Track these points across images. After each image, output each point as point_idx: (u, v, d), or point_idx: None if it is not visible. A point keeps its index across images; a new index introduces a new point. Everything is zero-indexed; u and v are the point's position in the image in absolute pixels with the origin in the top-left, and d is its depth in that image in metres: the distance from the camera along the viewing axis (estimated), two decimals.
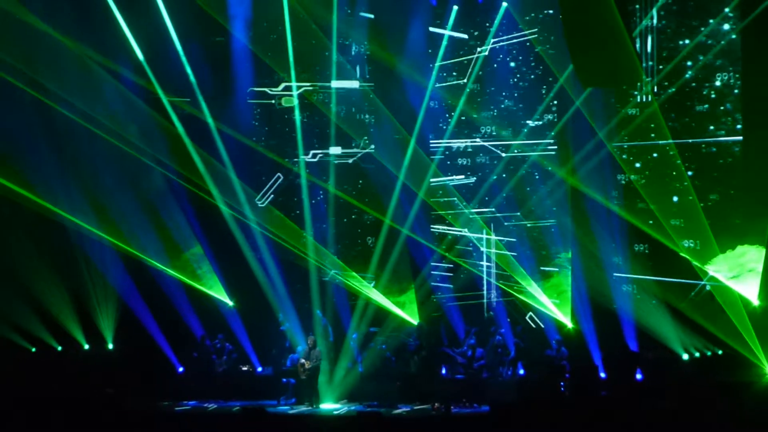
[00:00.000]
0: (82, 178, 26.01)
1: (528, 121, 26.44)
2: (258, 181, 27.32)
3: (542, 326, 26.06)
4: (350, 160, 27.12)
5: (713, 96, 24.88)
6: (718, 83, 24.85)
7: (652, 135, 25.08)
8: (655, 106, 24.95)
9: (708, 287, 24.50)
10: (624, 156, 25.43)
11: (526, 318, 26.29)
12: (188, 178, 26.62)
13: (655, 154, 25.22)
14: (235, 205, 26.75)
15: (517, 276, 26.28)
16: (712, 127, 24.85)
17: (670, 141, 24.95)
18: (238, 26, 26.95)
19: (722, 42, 24.59)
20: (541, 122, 26.38)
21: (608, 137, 25.35)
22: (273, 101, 27.09)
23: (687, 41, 24.89)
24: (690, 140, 25.02)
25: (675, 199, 24.76)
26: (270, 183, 27.26)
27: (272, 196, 27.24)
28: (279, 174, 27.31)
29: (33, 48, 25.16)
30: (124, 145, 25.97)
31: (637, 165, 25.38)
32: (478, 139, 26.85)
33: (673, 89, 24.96)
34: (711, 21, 24.60)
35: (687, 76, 24.91)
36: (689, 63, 24.93)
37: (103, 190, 26.16)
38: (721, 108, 24.82)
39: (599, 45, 17.79)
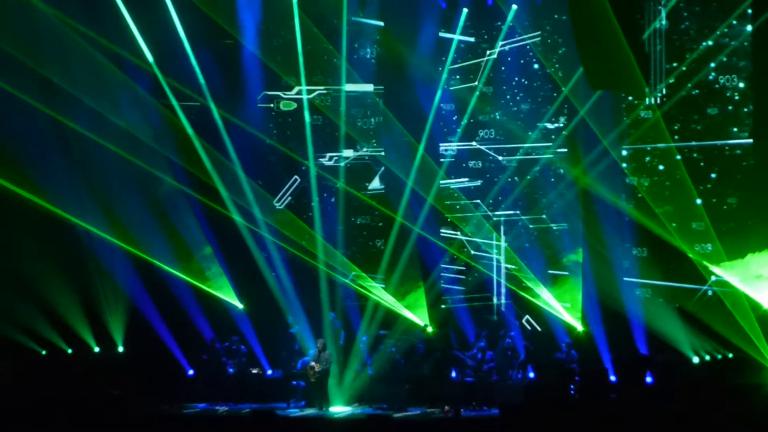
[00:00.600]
0: (91, 180, 26.03)
1: (539, 124, 26.39)
2: (269, 184, 27.35)
3: (538, 329, 26.02)
4: (342, 163, 27.14)
5: (725, 98, 24.82)
6: (729, 85, 24.80)
7: (666, 138, 25.06)
8: (658, 114, 24.89)
9: (710, 292, 24.47)
10: (632, 159, 25.40)
11: (523, 321, 26.28)
12: (198, 179, 26.65)
13: (659, 158, 25.19)
14: (244, 205, 26.76)
15: (527, 279, 26.23)
16: (726, 130, 24.79)
17: (671, 144, 24.92)
18: (248, 31, 26.96)
19: (735, 43, 24.54)
20: (552, 125, 26.33)
21: (617, 140, 25.32)
22: (272, 104, 27.14)
23: (697, 44, 24.83)
24: (695, 143, 24.98)
25: (699, 201, 24.67)
26: (288, 185, 27.29)
27: (290, 198, 27.27)
28: (296, 177, 27.34)
29: (43, 47, 25.18)
30: (134, 145, 26.01)
31: (644, 168, 25.34)
32: (481, 143, 26.83)
33: (683, 92, 24.93)
34: (722, 23, 24.55)
35: (697, 79, 24.86)
36: (700, 66, 24.88)
37: (112, 192, 26.18)
38: (741, 110, 24.75)
39: (607, 48, 17.77)
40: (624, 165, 25.44)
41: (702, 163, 24.93)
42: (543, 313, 26.06)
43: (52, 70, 25.17)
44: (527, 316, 26.28)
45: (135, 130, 26.06)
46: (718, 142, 24.83)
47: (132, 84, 26.26)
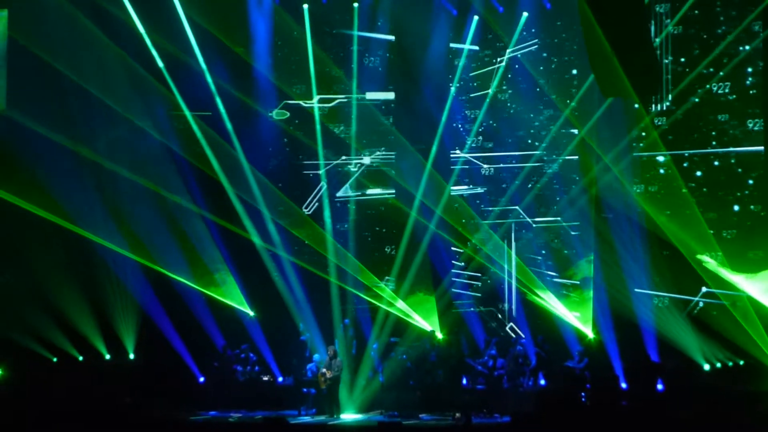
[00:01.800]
0: (101, 185, 26.10)
1: (552, 129, 26.38)
2: (283, 190, 27.42)
3: (522, 336, 25.99)
4: (338, 168, 27.25)
5: (737, 105, 24.82)
6: (740, 92, 24.82)
7: (678, 146, 25.08)
8: (654, 134, 24.91)
9: (701, 304, 24.47)
10: (643, 166, 25.39)
11: (507, 329, 26.28)
12: (209, 188, 26.75)
13: (662, 169, 25.18)
14: (252, 202, 26.84)
15: (537, 287, 26.21)
16: (737, 138, 24.78)
17: (670, 152, 24.92)
18: (260, 41, 27.06)
19: (750, 46, 24.55)
20: (566, 131, 26.34)
21: (629, 147, 25.32)
22: (267, 113, 27.26)
23: (709, 51, 24.83)
24: (703, 150, 24.98)
25: (736, 208, 24.63)
26: (315, 191, 27.35)
27: (317, 203, 27.35)
28: (323, 183, 27.41)
29: (58, 53, 25.29)
30: (145, 152, 26.14)
31: (655, 175, 25.33)
32: (493, 150, 26.88)
33: (698, 96, 24.93)
34: (734, 30, 24.57)
35: (708, 86, 24.86)
36: (711, 73, 24.88)
37: (123, 201, 26.26)
38: (752, 117, 24.74)
39: (618, 54, 17.77)
40: (635, 172, 25.42)
41: (715, 171, 24.95)
42: (554, 320, 26.00)
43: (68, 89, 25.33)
44: (511, 324, 26.30)
45: (147, 128, 26.17)
46: (723, 150, 24.82)
47: (143, 92, 26.34)
